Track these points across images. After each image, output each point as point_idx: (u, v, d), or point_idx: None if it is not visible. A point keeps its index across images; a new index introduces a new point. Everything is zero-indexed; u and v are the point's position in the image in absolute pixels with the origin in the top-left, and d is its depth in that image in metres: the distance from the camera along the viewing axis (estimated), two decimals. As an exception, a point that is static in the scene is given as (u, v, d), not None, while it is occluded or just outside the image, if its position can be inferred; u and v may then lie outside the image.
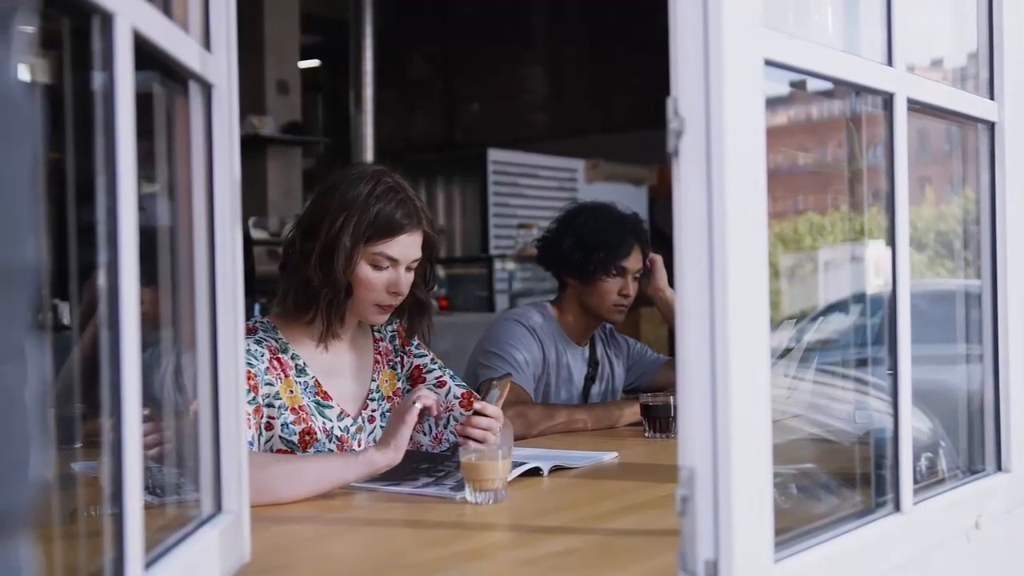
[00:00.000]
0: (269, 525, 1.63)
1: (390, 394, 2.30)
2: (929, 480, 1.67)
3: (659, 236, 3.11)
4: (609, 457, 2.27)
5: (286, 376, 2.13)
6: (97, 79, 0.98)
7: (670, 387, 2.90)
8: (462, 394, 2.30)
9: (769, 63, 1.21)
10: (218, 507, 1.33)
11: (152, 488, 1.30)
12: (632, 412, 2.76)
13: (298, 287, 2.14)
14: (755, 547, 1.16)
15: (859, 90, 1.51)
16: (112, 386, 0.98)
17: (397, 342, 2.35)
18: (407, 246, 2.15)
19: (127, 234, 0.98)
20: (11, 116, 0.55)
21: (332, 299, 2.12)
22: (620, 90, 9.09)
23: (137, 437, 0.99)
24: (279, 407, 2.09)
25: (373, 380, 2.28)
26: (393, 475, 1.97)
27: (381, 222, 2.11)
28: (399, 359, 2.34)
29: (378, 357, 2.31)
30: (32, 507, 0.55)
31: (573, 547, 1.54)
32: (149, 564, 1.06)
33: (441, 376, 2.33)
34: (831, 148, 2.01)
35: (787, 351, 2.24)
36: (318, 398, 2.16)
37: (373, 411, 2.26)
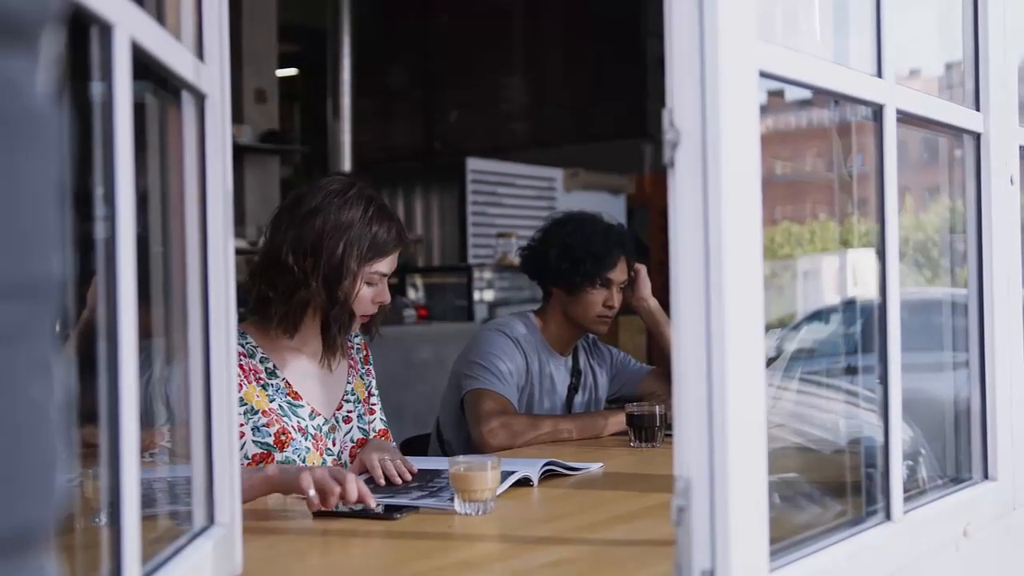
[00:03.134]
0: (260, 537, 1.62)
1: (364, 398, 2.37)
2: (911, 488, 1.68)
3: (637, 245, 3.11)
4: (596, 467, 2.27)
5: (250, 383, 2.16)
6: (95, 89, 0.98)
7: (653, 396, 2.91)
8: (380, 430, 2.40)
9: (764, 74, 1.21)
10: (211, 519, 1.32)
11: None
12: (617, 422, 2.76)
13: (298, 308, 2.18)
14: (751, 556, 1.16)
15: (850, 101, 1.52)
16: (110, 398, 0.97)
17: (361, 355, 2.43)
18: (395, 260, 2.26)
19: (125, 243, 0.98)
20: (39, 131, 0.55)
21: (342, 322, 2.20)
22: (599, 100, 9.12)
23: (135, 449, 0.99)
24: (245, 412, 2.12)
25: (348, 383, 2.34)
26: (385, 491, 1.96)
27: (379, 243, 2.20)
28: (365, 370, 2.43)
29: (351, 363, 2.38)
30: (57, 521, 0.55)
31: (566, 557, 1.53)
32: (144, 578, 1.06)
33: (375, 405, 2.43)
34: (809, 157, 2.02)
35: (770, 360, 2.25)
36: (289, 398, 2.20)
37: (349, 412, 2.32)
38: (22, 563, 0.51)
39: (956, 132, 1.78)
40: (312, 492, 1.75)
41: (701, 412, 1.13)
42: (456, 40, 9.78)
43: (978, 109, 1.77)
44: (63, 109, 0.58)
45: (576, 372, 3.06)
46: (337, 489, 1.75)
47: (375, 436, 2.36)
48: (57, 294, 0.55)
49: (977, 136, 1.77)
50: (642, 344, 6.37)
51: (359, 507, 1.83)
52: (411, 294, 7.39)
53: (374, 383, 2.45)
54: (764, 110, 1.46)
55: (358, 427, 2.33)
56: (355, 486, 1.77)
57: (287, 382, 2.21)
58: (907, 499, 1.52)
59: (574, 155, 8.50)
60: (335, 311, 2.18)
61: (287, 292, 2.16)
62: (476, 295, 7.27)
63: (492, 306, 7.24)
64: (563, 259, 2.90)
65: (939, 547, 1.61)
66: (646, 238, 7.43)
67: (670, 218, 1.16)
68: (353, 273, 2.17)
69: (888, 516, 1.48)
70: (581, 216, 3.02)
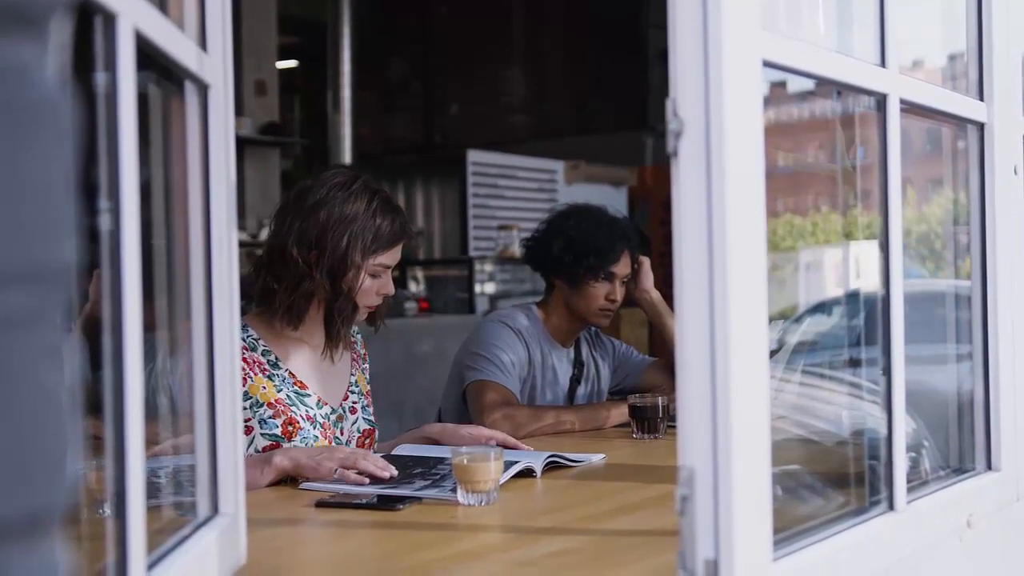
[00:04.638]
0: (264, 527, 1.62)
1: (365, 392, 2.40)
2: (914, 480, 1.68)
3: (640, 238, 3.11)
4: (598, 458, 2.27)
5: (256, 374, 2.18)
6: (99, 79, 0.98)
7: (656, 388, 2.91)
8: (365, 430, 2.38)
9: (767, 64, 1.21)
10: (215, 509, 1.32)
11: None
12: (619, 413, 2.76)
13: (303, 299, 2.20)
14: (754, 546, 1.17)
15: (854, 91, 1.51)
16: (115, 390, 0.97)
17: (362, 352, 2.46)
18: (399, 252, 2.27)
19: (129, 235, 0.98)
20: (50, 118, 0.55)
21: (345, 314, 2.22)
22: (600, 92, 9.11)
23: (139, 441, 0.99)
24: (251, 406, 2.13)
25: (352, 375, 2.37)
26: (388, 481, 1.97)
27: (384, 235, 2.21)
28: (365, 367, 2.45)
29: (354, 356, 2.41)
30: (68, 507, 0.56)
31: (569, 547, 1.54)
32: (149, 567, 1.06)
33: (368, 403, 2.43)
34: (811, 149, 2.02)
35: (772, 352, 2.25)
36: (296, 388, 2.22)
37: (354, 403, 2.35)
38: (33, 548, 0.52)
39: (960, 122, 1.78)
40: (338, 473, 1.95)
41: (704, 401, 1.13)
42: (456, 32, 9.77)
43: (982, 99, 1.77)
44: (72, 97, 0.58)
45: (579, 364, 3.06)
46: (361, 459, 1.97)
47: (358, 437, 2.38)
48: (68, 281, 0.56)
49: (981, 126, 1.77)
50: (644, 337, 6.38)
51: (362, 500, 1.84)
52: (412, 287, 7.40)
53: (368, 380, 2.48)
54: (766, 101, 1.46)
55: (363, 418, 2.36)
56: (373, 460, 1.99)
57: (291, 373, 2.23)
58: (910, 489, 1.52)
59: (575, 147, 8.50)
60: (339, 303, 2.20)
61: (292, 284, 2.18)
62: (477, 288, 7.27)
63: (493, 299, 7.25)
64: (567, 252, 2.90)
65: (942, 537, 1.61)
66: (647, 230, 7.44)
67: (673, 208, 1.16)
68: (357, 265, 2.19)
69: (891, 506, 1.48)
70: (586, 208, 3.01)
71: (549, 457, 2.13)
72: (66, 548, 0.56)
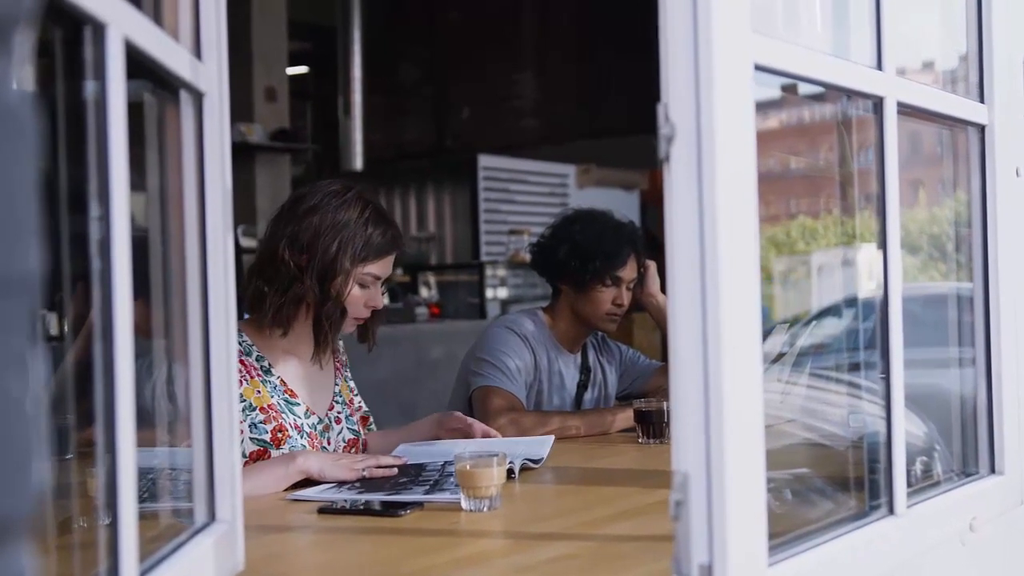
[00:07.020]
0: (262, 534, 1.62)
1: (348, 400, 2.42)
2: (924, 484, 1.67)
3: (651, 241, 3.11)
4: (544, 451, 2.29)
5: (252, 378, 2.20)
6: (88, 88, 0.98)
7: (663, 393, 2.90)
8: (349, 440, 2.41)
9: (759, 68, 1.21)
10: (212, 516, 1.33)
11: (143, 496, 1.30)
12: (625, 418, 2.76)
13: (292, 303, 2.21)
14: (749, 551, 1.16)
15: (849, 94, 1.51)
16: (106, 397, 0.97)
17: (344, 358, 2.48)
18: (390, 265, 2.29)
19: (120, 243, 0.98)
20: (15, 128, 0.55)
21: (333, 318, 2.23)
22: (611, 95, 9.09)
23: (131, 447, 0.99)
24: (244, 409, 2.15)
25: (336, 384, 2.39)
26: (382, 489, 1.96)
27: (373, 245, 2.23)
28: (347, 373, 2.47)
29: (338, 365, 2.43)
30: (34, 514, 0.56)
31: (568, 553, 1.53)
32: (143, 573, 1.06)
33: (350, 412, 2.43)
34: (823, 152, 2.01)
35: (780, 356, 2.24)
36: (286, 396, 2.25)
37: (338, 413, 2.37)
38: (-2, 554, 0.52)
39: (961, 124, 1.77)
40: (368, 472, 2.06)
41: (698, 406, 1.13)
42: (466, 37, 9.77)
43: (983, 101, 1.76)
44: (39, 107, 0.58)
45: (586, 369, 3.06)
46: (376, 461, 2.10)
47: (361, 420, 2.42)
48: (35, 290, 0.56)
49: (982, 128, 1.76)
50: (656, 341, 6.36)
51: (361, 504, 1.84)
52: (423, 292, 7.40)
53: (352, 383, 2.49)
54: (778, 105, 1.46)
55: (347, 428, 2.39)
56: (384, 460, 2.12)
57: (282, 380, 2.25)
58: (912, 493, 1.51)
59: (586, 151, 8.48)
60: (327, 308, 2.21)
61: (282, 287, 2.20)
62: (489, 292, 7.27)
63: (504, 303, 7.25)
64: (573, 256, 2.90)
65: (944, 541, 1.60)
66: (659, 234, 7.43)
67: (665, 213, 1.16)
68: (346, 271, 2.20)
69: (891, 510, 1.47)
70: (592, 213, 3.01)
71: (522, 460, 2.16)
72: (31, 554, 0.56)
